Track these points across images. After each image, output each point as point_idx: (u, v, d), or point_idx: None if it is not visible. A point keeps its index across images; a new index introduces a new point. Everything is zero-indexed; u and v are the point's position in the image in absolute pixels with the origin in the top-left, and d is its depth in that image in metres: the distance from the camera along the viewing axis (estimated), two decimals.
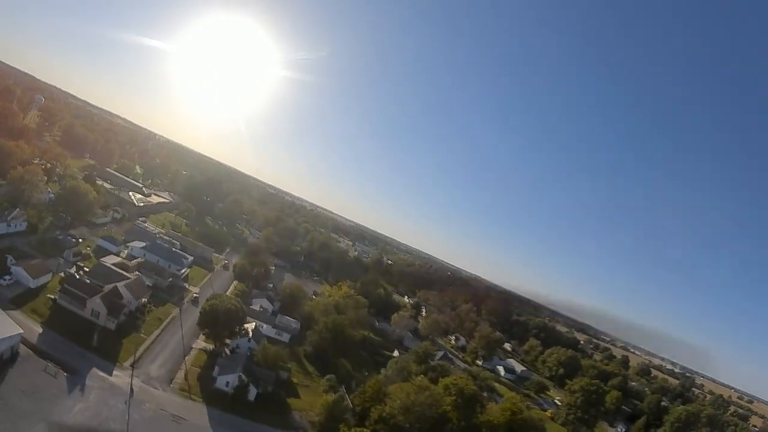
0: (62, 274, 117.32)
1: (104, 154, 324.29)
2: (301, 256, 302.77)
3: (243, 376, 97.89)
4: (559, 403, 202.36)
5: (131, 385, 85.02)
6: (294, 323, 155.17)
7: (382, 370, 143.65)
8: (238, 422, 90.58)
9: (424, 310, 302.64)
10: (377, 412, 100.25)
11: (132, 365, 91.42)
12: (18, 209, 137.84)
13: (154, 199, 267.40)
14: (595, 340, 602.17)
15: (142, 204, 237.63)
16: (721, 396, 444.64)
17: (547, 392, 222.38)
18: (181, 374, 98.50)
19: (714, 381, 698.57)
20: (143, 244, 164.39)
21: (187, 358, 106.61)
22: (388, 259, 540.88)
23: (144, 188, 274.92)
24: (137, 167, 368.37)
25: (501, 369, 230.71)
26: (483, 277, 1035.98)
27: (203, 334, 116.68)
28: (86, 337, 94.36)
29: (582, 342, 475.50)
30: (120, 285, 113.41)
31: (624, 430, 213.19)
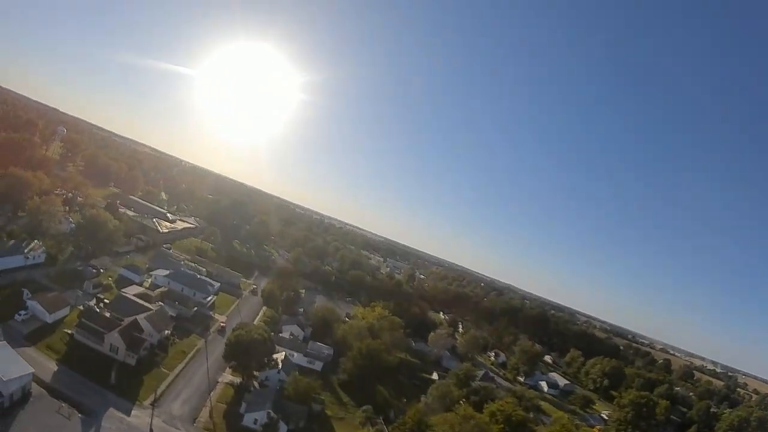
0: (81, 308, 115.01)
1: (128, 182, 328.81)
2: (331, 276, 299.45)
3: (272, 413, 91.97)
4: (607, 418, 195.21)
5: (151, 425, 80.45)
6: (326, 349, 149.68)
7: (422, 397, 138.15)
8: None
9: (460, 326, 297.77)
10: None
11: (152, 404, 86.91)
12: (36, 241, 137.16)
13: (180, 225, 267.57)
14: (634, 345, 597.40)
15: (166, 231, 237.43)
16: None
17: (593, 406, 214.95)
18: (205, 412, 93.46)
19: (756, 378, 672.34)
20: (167, 272, 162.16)
21: (212, 393, 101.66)
22: (421, 274, 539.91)
23: (168, 214, 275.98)
24: (162, 194, 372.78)
25: (544, 384, 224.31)
26: (516, 286, 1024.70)
27: (230, 367, 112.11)
28: (104, 375, 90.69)
29: (622, 347, 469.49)
30: (140, 317, 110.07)
31: None
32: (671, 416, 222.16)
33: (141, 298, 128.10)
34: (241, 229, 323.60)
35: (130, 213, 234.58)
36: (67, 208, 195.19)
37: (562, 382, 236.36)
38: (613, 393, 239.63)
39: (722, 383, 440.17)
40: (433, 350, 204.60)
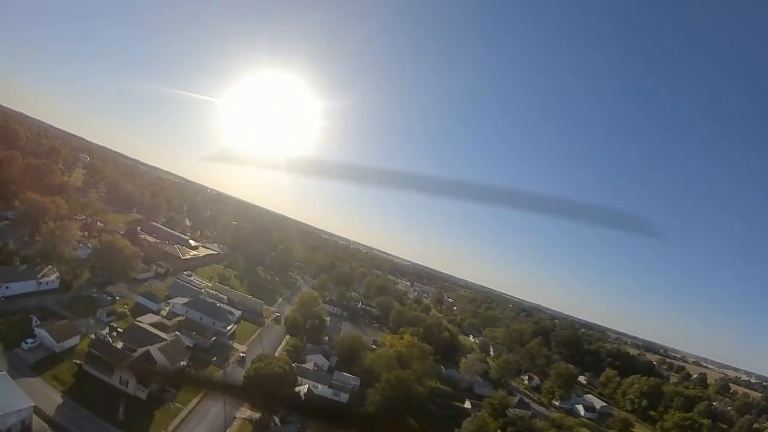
0: (93, 336, 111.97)
1: (151, 208, 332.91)
2: (358, 302, 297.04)
3: None
4: None
5: None
6: (353, 380, 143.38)
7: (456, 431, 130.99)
8: None
9: (492, 349, 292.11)
10: None
11: None
12: (50, 266, 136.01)
13: (202, 252, 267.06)
14: (668, 360, 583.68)
15: (188, 257, 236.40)
16: None
17: (632, 429, 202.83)
18: None
19: None
20: (185, 300, 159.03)
21: (228, 430, 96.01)
22: (449, 297, 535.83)
23: (191, 241, 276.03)
24: (186, 220, 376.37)
25: (580, 408, 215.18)
26: (544, 305, 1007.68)
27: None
28: (112, 409, 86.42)
29: (655, 363, 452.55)
30: (153, 348, 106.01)
31: None
32: None
33: (156, 328, 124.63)
34: (265, 255, 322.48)
35: (151, 239, 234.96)
36: (86, 233, 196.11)
37: (598, 404, 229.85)
38: (653, 413, 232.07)
39: (759, 395, 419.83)
40: (464, 376, 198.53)
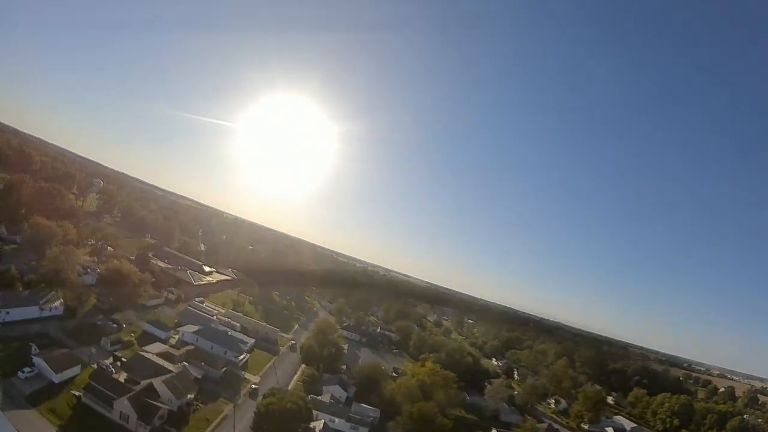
0: (95, 366, 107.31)
1: (165, 233, 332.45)
2: (377, 326, 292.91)
3: None
4: None
5: None
6: (372, 412, 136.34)
7: None
8: None
9: (515, 372, 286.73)
10: None
11: None
12: (53, 292, 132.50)
13: (216, 277, 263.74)
14: (693, 374, 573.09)
15: (201, 283, 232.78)
16: None
17: None
18: None
19: None
20: (196, 328, 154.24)
21: None
22: (469, 319, 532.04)
23: (204, 266, 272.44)
24: (201, 245, 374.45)
25: (610, 430, 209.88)
26: (564, 323, 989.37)
27: None
28: None
29: (681, 378, 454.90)
30: (157, 381, 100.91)
31: None
32: None
33: (163, 358, 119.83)
34: (281, 280, 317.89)
35: (163, 265, 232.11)
36: (95, 258, 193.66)
37: (629, 425, 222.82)
38: None
39: None
40: (489, 403, 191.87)
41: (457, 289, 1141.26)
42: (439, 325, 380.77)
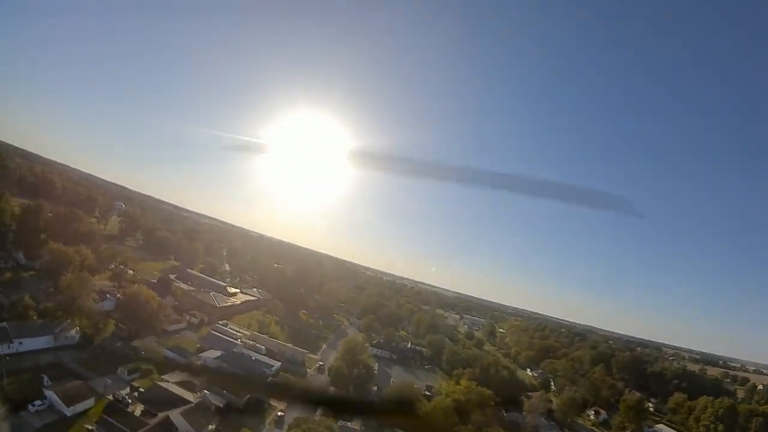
0: (110, 398, 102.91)
1: (188, 254, 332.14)
2: (407, 342, 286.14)
3: None
4: None
5: None
6: None
7: None
8: None
9: (552, 383, 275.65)
10: None
11: None
12: (69, 320, 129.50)
13: (241, 298, 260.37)
14: (730, 372, 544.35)
15: (225, 305, 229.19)
16: None
17: None
18: None
19: None
20: (218, 353, 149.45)
21: None
22: (500, 328, 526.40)
23: (228, 287, 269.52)
24: (226, 265, 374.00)
25: None
26: (595, 326, 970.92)
27: None
28: None
29: (718, 377, 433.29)
30: (175, 414, 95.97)
31: None
32: None
33: (183, 386, 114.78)
34: (307, 298, 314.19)
35: (186, 287, 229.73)
36: (115, 283, 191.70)
37: None
38: None
39: None
40: (527, 419, 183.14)
41: (486, 298, 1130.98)
42: (470, 336, 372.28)
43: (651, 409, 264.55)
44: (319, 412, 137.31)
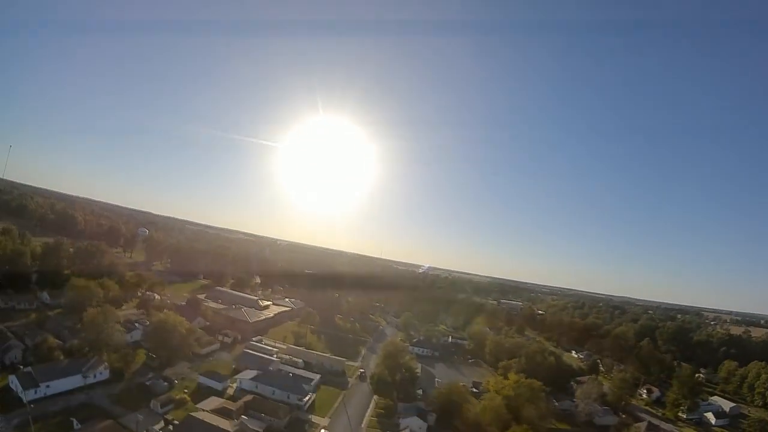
0: None
1: (217, 272, 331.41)
2: (447, 336, 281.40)
3: None
4: None
5: None
6: None
7: None
8: None
9: (600, 364, 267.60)
10: None
11: None
12: (95, 357, 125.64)
13: (274, 310, 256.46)
14: None
15: (258, 319, 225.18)
16: None
17: None
18: None
19: None
20: (254, 373, 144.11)
21: None
22: (538, 310, 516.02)
23: (260, 300, 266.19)
24: (256, 277, 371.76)
25: (710, 416, 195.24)
26: (631, 296, 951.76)
27: None
28: None
29: (764, 339, 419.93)
30: None
31: None
32: None
33: (219, 414, 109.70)
34: (341, 301, 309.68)
35: (215, 305, 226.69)
36: (143, 311, 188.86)
37: (727, 405, 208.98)
38: None
39: None
40: (580, 406, 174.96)
41: (519, 279, 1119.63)
42: (510, 323, 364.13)
43: (702, 380, 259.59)
44: (365, 424, 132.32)
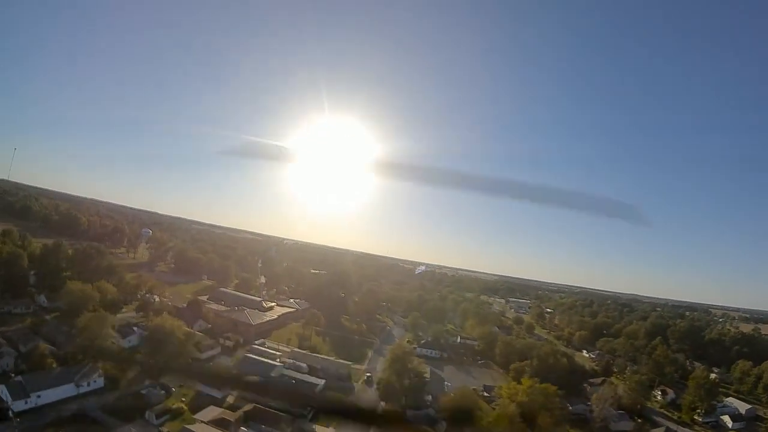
0: None
1: (221, 272, 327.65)
2: (456, 336, 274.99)
3: None
4: None
5: None
6: None
7: None
8: None
9: (612, 365, 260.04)
10: None
11: None
12: (89, 364, 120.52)
13: (277, 312, 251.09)
14: None
15: (261, 321, 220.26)
16: None
17: None
18: None
19: None
20: (255, 379, 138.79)
21: None
22: (547, 308, 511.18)
23: (264, 302, 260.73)
24: (262, 277, 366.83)
25: (726, 419, 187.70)
26: (640, 294, 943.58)
27: None
28: None
29: None
30: None
31: None
32: None
33: (217, 425, 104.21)
34: (347, 301, 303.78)
35: (217, 307, 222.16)
36: (142, 314, 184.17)
37: (742, 407, 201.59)
38: None
39: None
40: (595, 411, 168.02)
41: (526, 277, 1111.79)
42: (519, 322, 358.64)
43: (717, 382, 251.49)
44: None
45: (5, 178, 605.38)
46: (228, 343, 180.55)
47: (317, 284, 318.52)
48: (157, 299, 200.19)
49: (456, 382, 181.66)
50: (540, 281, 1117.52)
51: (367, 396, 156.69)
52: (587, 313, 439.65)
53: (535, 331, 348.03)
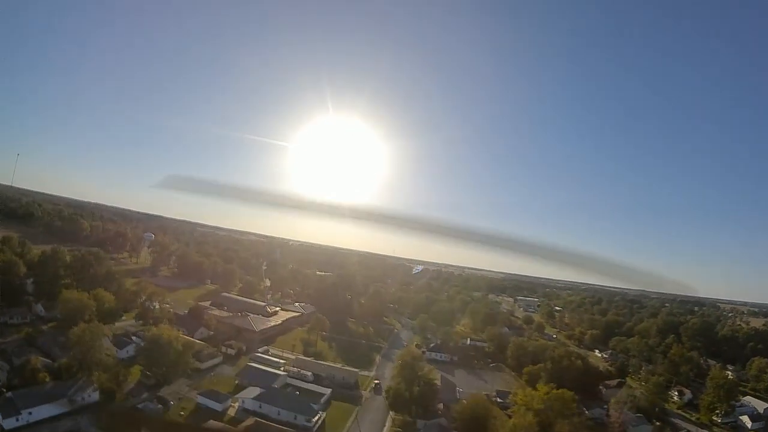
0: None
1: (225, 276, 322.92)
2: (465, 338, 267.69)
3: None
4: None
5: None
6: None
7: None
8: None
9: (627, 365, 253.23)
10: None
11: None
12: (83, 378, 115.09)
13: (282, 316, 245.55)
14: None
15: (265, 327, 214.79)
16: None
17: None
18: None
19: None
20: (257, 391, 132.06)
21: None
22: (556, 306, 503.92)
23: (268, 306, 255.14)
24: (266, 280, 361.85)
25: (746, 419, 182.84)
26: (647, 289, 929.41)
27: None
28: None
29: None
30: None
31: None
32: None
33: None
34: (354, 303, 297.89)
35: (220, 313, 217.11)
36: (141, 322, 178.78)
37: (761, 406, 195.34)
38: None
39: None
40: (612, 415, 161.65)
41: (533, 274, 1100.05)
42: (529, 321, 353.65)
43: (735, 381, 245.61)
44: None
45: (8, 184, 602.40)
46: (230, 351, 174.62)
47: (322, 286, 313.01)
48: (158, 306, 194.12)
49: (468, 388, 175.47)
50: (547, 278, 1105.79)
51: (376, 405, 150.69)
52: (597, 310, 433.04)
53: (546, 331, 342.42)
